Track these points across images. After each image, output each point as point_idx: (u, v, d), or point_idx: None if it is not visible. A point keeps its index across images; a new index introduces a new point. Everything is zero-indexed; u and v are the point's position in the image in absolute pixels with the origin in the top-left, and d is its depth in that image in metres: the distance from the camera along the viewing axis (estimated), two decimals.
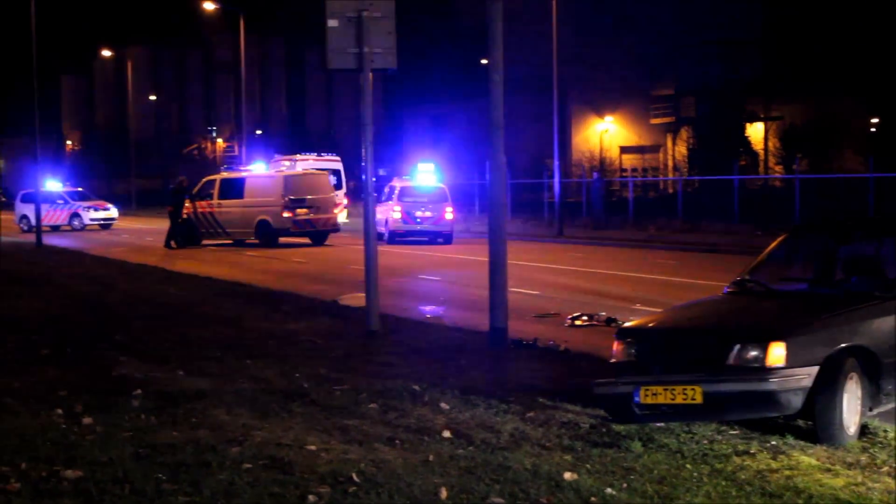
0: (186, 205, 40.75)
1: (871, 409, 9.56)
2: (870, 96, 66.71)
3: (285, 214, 38.93)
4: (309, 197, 39.50)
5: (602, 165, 69.75)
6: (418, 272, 27.33)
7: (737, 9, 76.38)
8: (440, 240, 39.99)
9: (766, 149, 70.51)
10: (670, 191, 60.37)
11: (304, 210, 39.30)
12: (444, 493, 7.67)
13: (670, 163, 76.51)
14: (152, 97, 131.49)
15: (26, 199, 55.21)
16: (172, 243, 39.41)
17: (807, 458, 8.65)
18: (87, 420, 9.90)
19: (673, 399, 9.27)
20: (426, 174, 41.65)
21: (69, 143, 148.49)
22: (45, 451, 8.85)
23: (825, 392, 9.12)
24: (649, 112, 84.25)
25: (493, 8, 14.64)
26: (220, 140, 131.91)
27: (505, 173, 14.94)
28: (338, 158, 43.43)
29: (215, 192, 41.03)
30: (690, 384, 9.23)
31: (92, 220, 56.72)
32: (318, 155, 44.82)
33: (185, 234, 40.13)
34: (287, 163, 43.38)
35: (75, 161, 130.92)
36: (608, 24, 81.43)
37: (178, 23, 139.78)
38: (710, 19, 77.36)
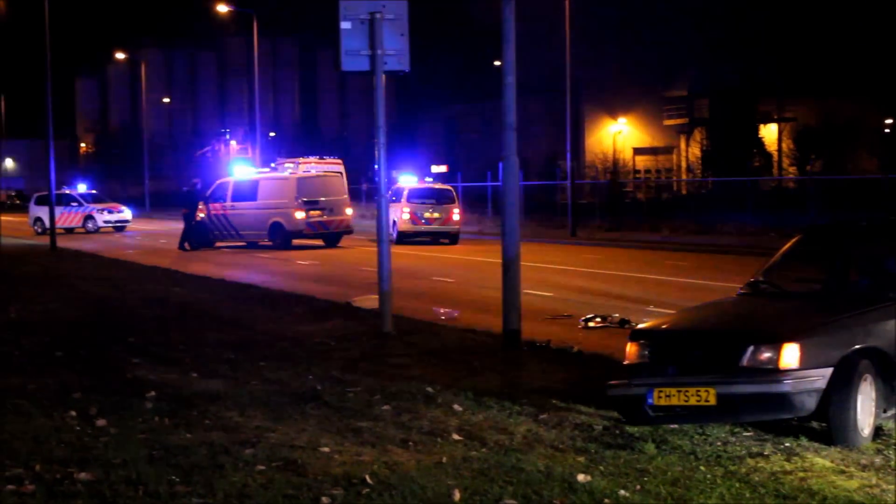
0: (200, 207, 40.80)
1: (885, 411, 9.53)
2: (883, 97, 66.60)
3: (298, 216, 38.96)
4: (322, 199, 39.52)
5: (615, 167, 69.67)
6: (431, 274, 27.31)
7: (750, 10, 76.24)
8: (447, 240, 40.52)
9: (779, 150, 70.44)
10: (683, 192, 60.29)
11: (318, 212, 39.32)
12: (457, 495, 7.66)
13: (683, 164, 76.46)
14: (166, 99, 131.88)
15: (40, 201, 55.34)
16: (186, 245, 39.46)
17: (821, 460, 8.63)
18: (100, 422, 9.92)
19: (686, 401, 9.26)
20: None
21: (83, 145, 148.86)
22: (60, 452, 8.87)
23: (839, 394, 9.10)
24: (662, 113, 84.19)
25: (506, 9, 14.63)
26: (233, 142, 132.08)
27: (518, 174, 14.93)
28: (339, 161, 43.55)
29: (228, 194, 41.07)
30: (704, 386, 9.21)
31: (106, 222, 56.80)
32: (320, 158, 45.02)
33: (198, 237, 40.17)
34: (290, 165, 43.43)
35: (89, 163, 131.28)
36: (621, 25, 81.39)
37: (191, 25, 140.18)
38: (723, 21, 77.27)
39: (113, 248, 41.00)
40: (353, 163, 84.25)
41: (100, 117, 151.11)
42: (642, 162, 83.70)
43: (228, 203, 40.76)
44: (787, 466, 8.46)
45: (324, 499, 7.61)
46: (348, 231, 41.13)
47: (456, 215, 41.14)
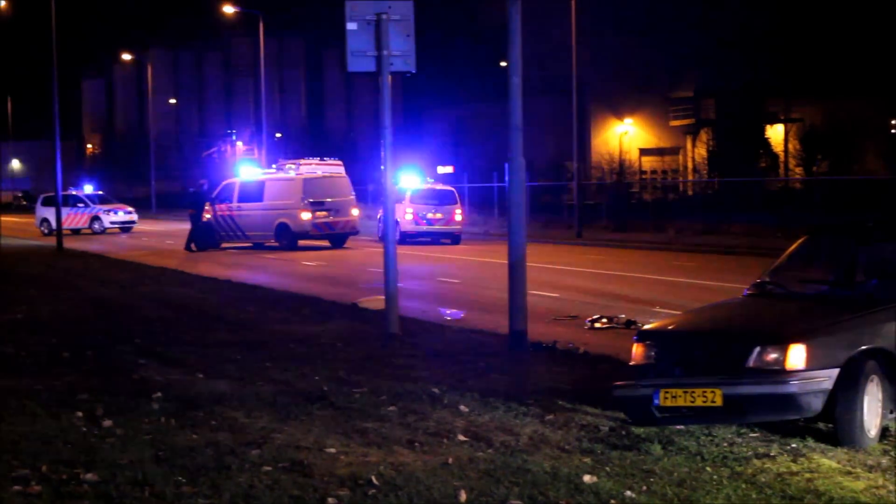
0: (206, 208, 40.84)
1: (891, 412, 9.51)
2: (890, 98, 66.52)
3: (305, 217, 38.99)
4: (328, 200, 39.56)
5: (621, 167, 69.61)
6: (437, 274, 27.32)
7: (757, 10, 76.18)
8: (448, 241, 41.05)
9: (786, 150, 70.38)
10: (690, 193, 60.23)
11: (324, 213, 39.35)
12: (463, 496, 7.67)
13: (690, 165, 76.34)
14: (172, 100, 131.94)
15: (47, 202, 55.39)
16: (192, 246, 39.49)
17: (827, 461, 8.62)
18: (107, 423, 9.94)
19: (693, 402, 9.25)
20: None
21: (89, 146, 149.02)
22: (66, 453, 8.89)
23: (846, 394, 9.09)
24: (669, 114, 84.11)
25: (512, 10, 14.63)
26: (239, 143, 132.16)
27: (524, 175, 14.93)
28: (339, 163, 43.66)
29: (234, 194, 41.10)
30: (710, 387, 9.20)
31: (112, 223, 56.84)
32: (321, 159, 45.27)
33: (204, 238, 40.20)
34: (292, 166, 43.47)
35: (95, 164, 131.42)
36: (627, 26, 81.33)
37: (197, 26, 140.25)
38: (729, 21, 77.19)
39: (119, 249, 41.04)
40: (360, 163, 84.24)
41: (106, 118, 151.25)
42: (648, 163, 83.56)
43: (234, 204, 40.78)
44: (794, 467, 8.45)
45: (330, 499, 7.61)
46: (354, 232, 41.18)
47: (458, 216, 41.70)
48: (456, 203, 42.09)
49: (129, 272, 28.74)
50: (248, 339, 15.64)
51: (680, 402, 9.31)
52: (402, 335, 15.68)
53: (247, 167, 44.51)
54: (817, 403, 9.08)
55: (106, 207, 57.68)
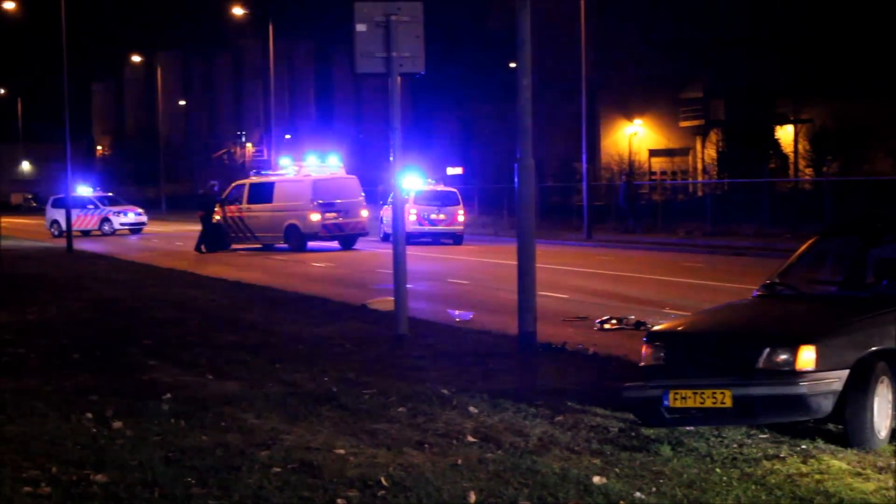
0: (216, 209, 40.90)
1: None
2: None
3: (314, 218, 39.03)
4: (338, 201, 39.60)
5: (631, 168, 69.51)
6: (446, 276, 27.33)
7: (766, 11, 76.07)
8: (450, 241, 41.66)
9: (795, 151, 70.22)
10: (699, 194, 60.15)
11: (333, 214, 39.40)
12: (472, 498, 7.66)
13: (699, 166, 76.24)
14: (182, 102, 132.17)
15: (57, 204, 55.49)
16: (202, 248, 39.54)
17: (837, 463, 8.60)
18: (116, 424, 9.95)
19: (702, 403, 9.24)
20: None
21: (99, 148, 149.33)
22: (76, 454, 8.90)
23: (856, 396, 9.07)
24: (678, 115, 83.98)
25: (521, 11, 14.62)
26: (249, 144, 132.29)
27: (533, 177, 14.92)
28: (340, 164, 43.83)
29: (244, 196, 41.15)
30: (720, 388, 9.19)
31: (122, 224, 56.94)
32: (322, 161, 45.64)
33: (214, 239, 40.27)
34: (294, 168, 43.51)
35: (105, 166, 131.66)
36: (636, 27, 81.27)
37: (206, 28, 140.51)
38: (738, 21, 77.09)
39: (129, 251, 41.11)
40: (369, 164, 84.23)
41: (116, 120, 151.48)
42: (658, 163, 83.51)
43: (244, 205, 40.84)
44: (804, 469, 8.44)
45: (339, 500, 7.62)
46: (364, 233, 41.24)
47: (460, 216, 42.43)
48: (458, 204, 42.69)
49: (139, 273, 28.79)
50: (257, 340, 15.65)
51: (689, 404, 9.30)
52: (412, 336, 15.68)
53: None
54: (827, 405, 9.06)
55: (116, 209, 57.77)
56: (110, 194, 62.16)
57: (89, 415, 10.37)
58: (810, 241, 11.63)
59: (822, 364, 9.09)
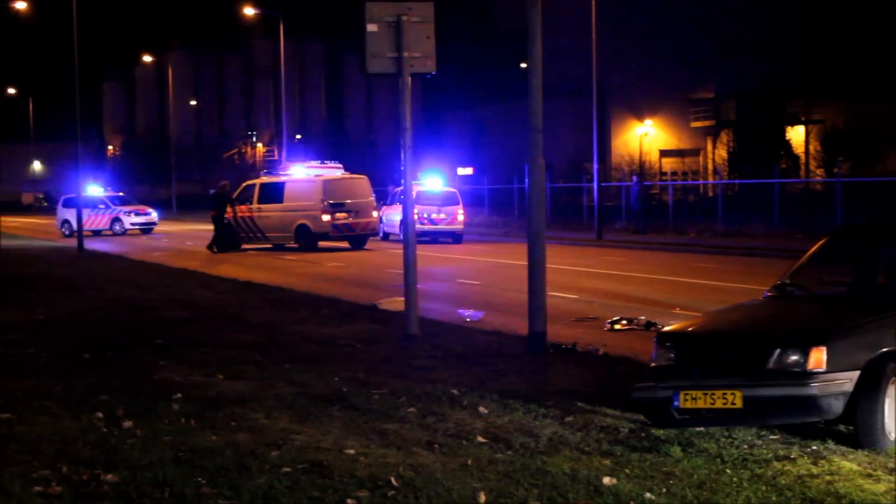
0: (228, 209, 40.97)
1: None
2: None
3: (325, 218, 39.09)
4: (348, 201, 39.66)
5: (641, 169, 69.51)
6: (456, 276, 27.33)
7: (777, 11, 75.98)
8: (449, 240, 42.57)
9: (807, 152, 70.16)
10: (710, 194, 60.12)
11: (344, 214, 39.45)
12: (482, 498, 7.66)
13: (710, 166, 76.17)
14: (192, 102, 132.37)
15: (68, 203, 55.60)
16: (214, 248, 39.63)
17: (848, 464, 8.58)
18: (127, 424, 9.96)
19: (713, 404, 9.22)
20: (434, 180, 44.41)
21: (110, 148, 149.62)
22: (86, 454, 8.91)
23: (866, 397, 9.05)
24: (689, 115, 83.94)
25: (532, 12, 14.62)
26: (259, 144, 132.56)
27: (544, 177, 14.92)
28: (340, 166, 44.05)
29: (255, 196, 41.21)
30: (730, 389, 9.18)
31: (133, 224, 57.03)
32: (322, 163, 45.93)
33: (224, 239, 40.33)
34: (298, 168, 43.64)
35: (116, 166, 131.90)
36: (648, 27, 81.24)
37: (217, 28, 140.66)
38: (750, 22, 77.02)
39: (140, 251, 41.17)
40: (380, 164, 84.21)
41: (127, 120, 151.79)
42: (669, 164, 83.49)
43: (255, 205, 40.90)
44: (814, 470, 8.42)
45: (349, 501, 7.62)
46: (374, 233, 41.37)
47: (460, 216, 43.39)
48: (458, 204, 43.66)
49: (150, 273, 28.83)
50: (267, 340, 15.67)
51: (700, 404, 9.29)
52: (422, 336, 15.68)
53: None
54: (838, 406, 9.05)
55: (126, 209, 57.86)
56: (121, 194, 62.27)
57: (100, 414, 10.39)
58: (821, 242, 11.61)
59: (833, 365, 9.07)
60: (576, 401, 10.87)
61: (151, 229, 57.55)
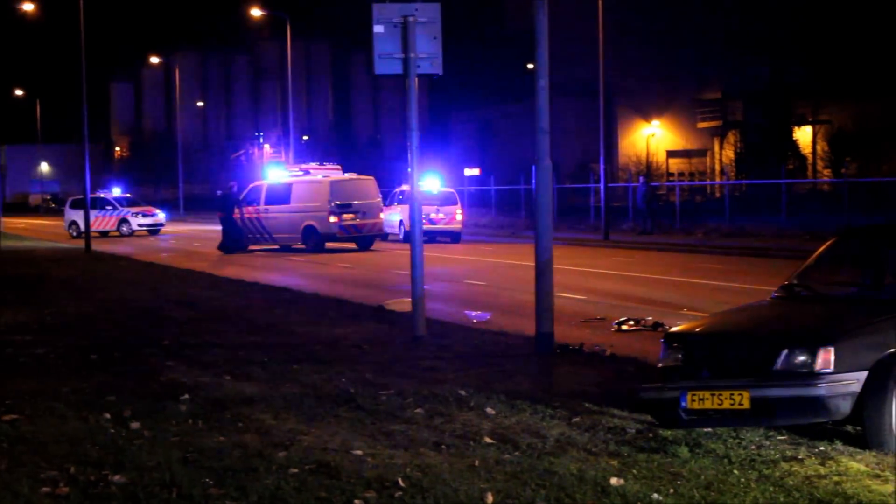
0: (236, 211, 41.06)
1: None
2: None
3: (332, 220, 39.11)
4: (355, 202, 39.68)
5: (648, 170, 69.48)
6: (462, 277, 27.33)
7: (785, 12, 75.90)
8: (448, 239, 43.49)
9: (814, 152, 70.06)
10: (717, 195, 60.09)
11: (351, 215, 39.46)
12: (489, 499, 7.66)
13: (717, 167, 76.14)
14: (199, 103, 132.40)
15: (75, 205, 55.70)
16: (221, 249, 39.71)
17: (856, 464, 8.57)
18: (135, 425, 9.97)
19: (720, 404, 9.21)
20: (432, 181, 44.88)
21: (118, 149, 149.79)
22: (94, 455, 8.92)
23: (874, 397, 9.03)
24: (696, 116, 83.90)
25: (539, 12, 14.61)
26: (266, 145, 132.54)
27: (551, 177, 14.91)
28: (338, 167, 44.26)
29: (262, 197, 41.25)
30: (738, 389, 9.16)
31: (140, 225, 57.12)
32: (320, 164, 46.14)
33: (232, 240, 40.41)
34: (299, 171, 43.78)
35: (123, 166, 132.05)
36: (654, 28, 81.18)
37: (224, 29, 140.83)
38: (757, 22, 76.93)
39: (147, 252, 41.21)
40: (386, 165, 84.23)
41: (134, 121, 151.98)
42: (676, 165, 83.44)
43: (262, 206, 40.96)
44: (822, 470, 8.41)
45: (357, 501, 7.62)
46: (381, 234, 41.38)
47: (458, 216, 44.36)
48: (456, 204, 44.70)
49: (157, 274, 28.86)
50: (275, 341, 15.67)
51: (707, 405, 9.28)
52: (429, 337, 15.68)
53: (274, 170, 44.86)
54: (846, 406, 9.03)
55: (134, 210, 57.96)
56: (128, 195, 62.38)
57: (107, 415, 10.40)
58: (829, 243, 11.59)
59: (841, 365, 9.06)
60: (583, 401, 10.86)
61: (159, 230, 57.63)
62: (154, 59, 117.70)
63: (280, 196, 40.89)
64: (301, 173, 42.24)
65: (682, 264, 30.31)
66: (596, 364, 13.41)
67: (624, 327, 17.01)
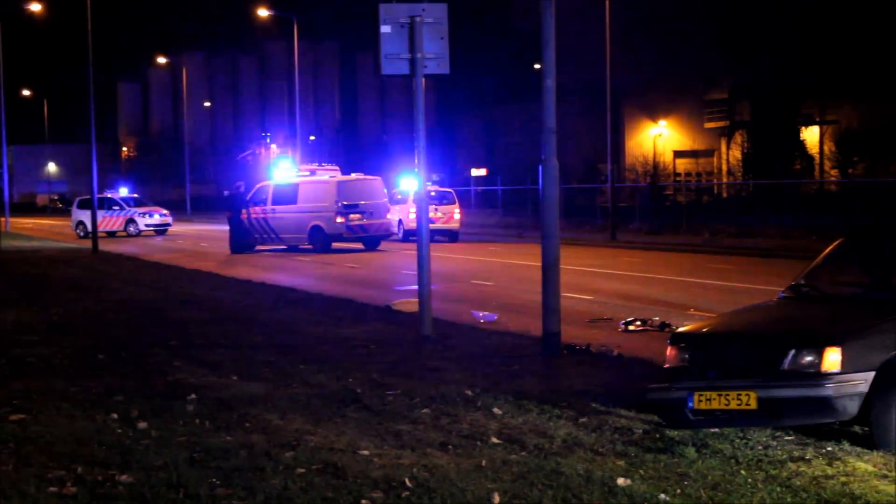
0: (243, 211, 41.10)
1: None
2: None
3: (338, 220, 39.14)
4: (362, 202, 39.70)
5: (655, 170, 69.35)
6: (469, 276, 27.31)
7: (792, 12, 75.80)
8: (445, 238, 44.05)
9: (821, 152, 69.94)
10: (724, 195, 60.02)
11: (357, 215, 39.49)
12: (496, 499, 7.66)
13: (724, 167, 76.04)
14: (207, 103, 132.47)
15: (83, 205, 55.77)
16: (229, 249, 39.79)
17: (863, 465, 8.56)
18: (142, 424, 9.98)
19: (727, 405, 9.21)
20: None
21: (125, 149, 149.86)
22: (101, 455, 8.93)
23: (882, 397, 9.02)
24: (703, 116, 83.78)
25: (546, 12, 14.60)
26: (273, 146, 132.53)
27: (558, 177, 14.89)
28: (336, 168, 44.38)
29: (269, 197, 41.28)
30: (745, 390, 9.16)
31: (147, 225, 57.19)
32: (319, 164, 46.42)
33: (239, 240, 40.46)
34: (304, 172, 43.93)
35: (130, 167, 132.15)
36: (661, 28, 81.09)
37: (232, 30, 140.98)
38: (764, 23, 76.82)
39: (154, 252, 41.24)
40: (393, 165, 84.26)
41: (141, 121, 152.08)
42: (683, 165, 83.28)
43: (269, 207, 40.99)
44: (829, 471, 8.40)
45: (363, 502, 7.62)
46: (388, 234, 41.41)
47: (456, 215, 45.36)
48: (454, 203, 45.59)
49: (164, 274, 28.88)
50: (281, 341, 15.68)
51: (714, 405, 9.27)
52: (436, 337, 15.68)
53: (283, 166, 44.91)
54: (853, 407, 9.02)
55: (141, 210, 58.03)
56: (136, 195, 62.45)
57: (115, 415, 10.41)
58: (836, 243, 11.57)
59: (848, 366, 9.05)
60: (590, 402, 10.86)
61: (166, 230, 57.69)
62: (161, 60, 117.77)
63: (287, 196, 40.92)
64: (308, 174, 42.29)
65: (690, 264, 30.30)
66: (603, 364, 13.41)
67: (631, 328, 17.00)
